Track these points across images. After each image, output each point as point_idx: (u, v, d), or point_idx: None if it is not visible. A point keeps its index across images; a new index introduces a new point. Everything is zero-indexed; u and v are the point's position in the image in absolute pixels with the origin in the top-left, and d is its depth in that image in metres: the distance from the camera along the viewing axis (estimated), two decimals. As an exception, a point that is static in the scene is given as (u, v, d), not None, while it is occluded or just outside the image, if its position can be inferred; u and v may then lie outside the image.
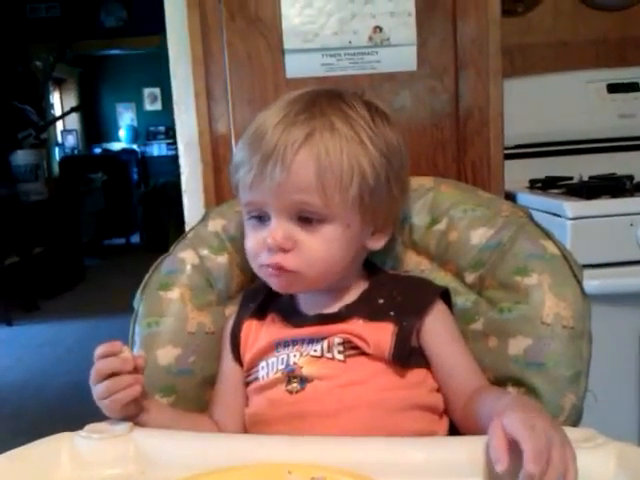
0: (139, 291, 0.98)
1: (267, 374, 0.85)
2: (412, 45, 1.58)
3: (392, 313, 0.84)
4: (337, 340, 0.83)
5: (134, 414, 0.79)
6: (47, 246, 5.19)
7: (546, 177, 1.88)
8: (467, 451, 0.66)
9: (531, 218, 0.94)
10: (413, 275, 0.96)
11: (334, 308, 0.87)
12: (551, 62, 2.05)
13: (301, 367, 0.83)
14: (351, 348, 0.83)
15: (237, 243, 0.99)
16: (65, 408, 2.97)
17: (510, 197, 1.72)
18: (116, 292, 4.94)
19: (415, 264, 0.97)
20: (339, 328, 0.84)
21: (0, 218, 4.63)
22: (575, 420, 0.83)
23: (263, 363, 0.87)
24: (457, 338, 0.87)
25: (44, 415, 2.90)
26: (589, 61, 2.04)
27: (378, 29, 1.58)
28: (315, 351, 0.83)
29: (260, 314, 0.92)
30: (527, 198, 1.69)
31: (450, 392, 0.85)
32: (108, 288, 5.42)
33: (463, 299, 0.92)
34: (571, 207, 1.47)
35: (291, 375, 0.83)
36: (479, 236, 0.93)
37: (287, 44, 1.60)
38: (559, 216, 1.48)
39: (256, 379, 0.87)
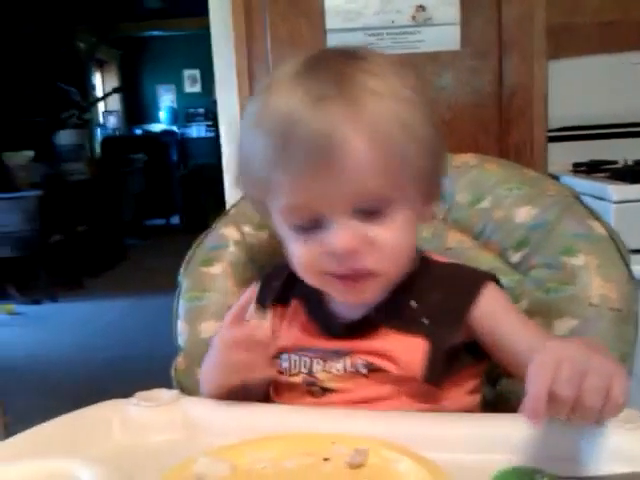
0: (183, 266, 1.00)
1: (290, 369, 0.79)
2: (455, 24, 1.57)
3: (426, 322, 0.75)
4: (360, 362, 0.75)
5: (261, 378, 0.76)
6: (90, 225, 5.30)
7: (590, 160, 1.85)
8: (508, 427, 0.66)
9: (578, 198, 0.93)
10: (455, 263, 0.86)
11: (365, 310, 0.77)
12: (597, 43, 2.01)
13: (322, 381, 0.77)
14: (377, 368, 0.75)
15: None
16: (107, 383, 3.03)
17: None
18: (156, 271, 5.03)
19: (458, 242, 0.96)
20: (366, 346, 0.76)
21: (44, 197, 4.73)
22: (621, 402, 0.82)
23: (286, 356, 0.80)
24: (515, 315, 0.77)
25: (87, 389, 2.96)
26: (636, 42, 2.00)
27: (421, 8, 1.57)
28: (338, 370, 0.76)
29: (283, 297, 0.84)
30: (571, 181, 1.67)
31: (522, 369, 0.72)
32: (148, 268, 5.52)
33: (507, 279, 0.90)
34: (615, 190, 1.45)
35: (311, 384, 0.78)
36: (524, 215, 0.92)
37: (329, 24, 1.60)
38: (603, 199, 1.46)
39: (280, 366, 0.81)
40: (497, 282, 0.80)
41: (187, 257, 1.01)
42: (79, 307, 4.58)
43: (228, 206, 1.65)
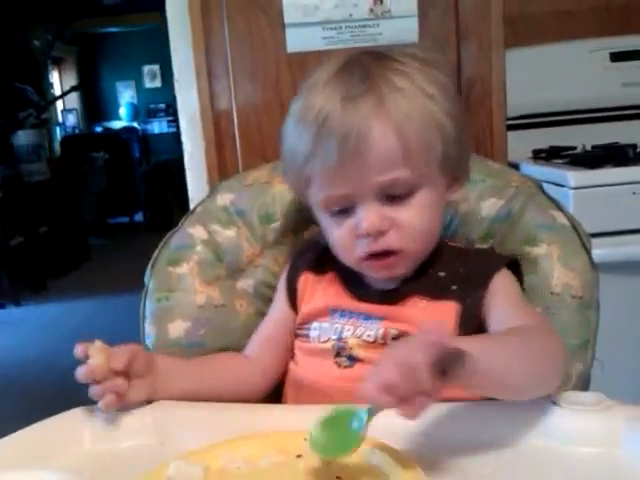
0: (149, 267, 0.99)
1: (319, 337, 0.84)
2: (413, 17, 1.57)
3: (454, 287, 0.80)
4: (393, 332, 0.79)
5: (137, 403, 0.76)
6: (52, 226, 5.21)
7: (549, 147, 1.88)
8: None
9: (541, 188, 0.94)
10: (476, 248, 0.93)
11: (396, 283, 0.83)
12: (553, 31, 2.03)
13: (351, 348, 0.81)
14: (408, 335, 0.77)
15: (246, 217, 0.99)
16: (75, 386, 2.99)
17: (513, 168, 1.71)
18: (121, 271, 4.98)
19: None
20: (398, 313, 0.80)
21: (4, 199, 4.64)
22: (582, 388, 0.84)
23: (316, 324, 0.85)
24: (521, 305, 0.80)
25: (54, 393, 2.92)
26: (592, 30, 2.02)
27: (379, 1, 1.57)
28: (369, 336, 0.80)
29: (318, 268, 0.89)
30: (530, 168, 1.69)
31: None
32: (113, 267, 5.46)
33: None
34: (574, 177, 1.47)
35: (341, 350, 0.81)
36: (489, 207, 0.93)
37: (287, 18, 1.60)
38: (562, 186, 1.48)
39: (307, 336, 0.86)
40: (518, 265, 0.85)
41: (153, 257, 1.00)
42: (44, 310, 4.51)
43: (191, 201, 1.64)
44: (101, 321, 4.01)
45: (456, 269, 0.83)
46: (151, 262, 1.00)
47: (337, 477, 0.61)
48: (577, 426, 0.65)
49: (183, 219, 1.04)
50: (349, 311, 0.83)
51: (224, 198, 1.03)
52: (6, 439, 0.68)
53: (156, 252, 1.01)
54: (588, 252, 0.87)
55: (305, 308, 0.88)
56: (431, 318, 0.78)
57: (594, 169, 1.53)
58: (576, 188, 1.46)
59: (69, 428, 0.72)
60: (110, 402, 0.72)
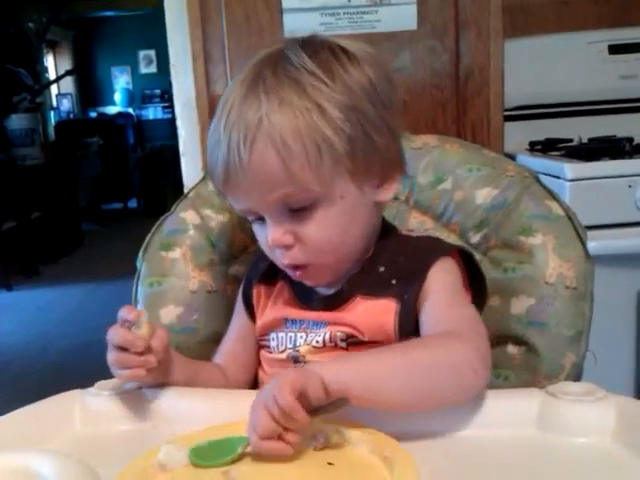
0: (141, 251, 0.99)
1: (277, 347, 0.85)
2: (412, 4, 1.56)
3: (394, 281, 0.79)
4: (339, 334, 0.79)
5: (145, 385, 0.77)
6: (44, 211, 5.19)
7: (546, 139, 1.88)
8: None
9: (537, 179, 0.94)
10: (426, 235, 0.93)
11: (339, 285, 0.82)
12: (552, 22, 2.03)
13: (304, 355, 0.81)
14: (354, 339, 0.79)
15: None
16: (66, 370, 3.00)
17: (510, 159, 1.72)
18: (114, 257, 4.97)
19: (419, 223, 0.97)
20: (341, 317, 0.80)
21: (-3, 183, 4.62)
22: (575, 380, 0.84)
23: (273, 335, 0.86)
24: (450, 305, 0.77)
25: (46, 378, 2.92)
26: (591, 21, 2.02)
27: (378, -13, 1.56)
28: (317, 342, 0.81)
29: (269, 278, 0.89)
30: (527, 160, 1.69)
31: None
32: (106, 253, 5.45)
33: (467, 260, 0.92)
34: (570, 169, 1.47)
35: (295, 358, 0.82)
36: (484, 196, 0.93)
37: (285, 3, 1.58)
38: (558, 178, 1.48)
39: (268, 347, 0.87)
40: (466, 254, 0.83)
41: (145, 242, 1.00)
42: (35, 295, 4.49)
43: (186, 188, 1.64)
44: (93, 306, 4.00)
45: (396, 261, 0.81)
46: (143, 246, 0.99)
47: (329, 463, 0.61)
48: (570, 416, 0.65)
49: (176, 204, 1.03)
50: (299, 319, 0.83)
51: None
52: (-3, 420, 0.68)
53: (148, 236, 1.00)
54: (583, 243, 0.87)
55: (259, 321, 0.88)
56: (371, 321, 0.78)
57: (590, 161, 1.53)
58: (572, 180, 1.45)
59: (61, 411, 0.72)
60: (139, 375, 0.72)
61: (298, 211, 0.75)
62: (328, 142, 0.72)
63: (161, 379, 0.77)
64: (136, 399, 0.74)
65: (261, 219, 0.78)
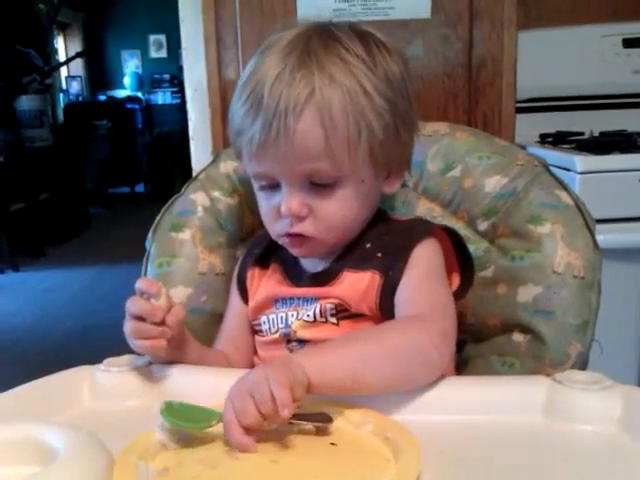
0: (151, 231, 0.99)
1: (269, 330, 0.87)
2: (427, -8, 1.55)
3: (379, 254, 0.82)
4: (329, 306, 0.82)
5: (158, 360, 0.77)
6: (52, 193, 5.20)
7: (557, 132, 1.87)
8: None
9: (546, 168, 0.93)
10: (413, 218, 0.94)
11: (328, 262, 0.85)
12: (566, 14, 2.02)
13: (295, 331, 0.83)
14: (343, 310, 0.82)
15: (248, 185, 0.98)
16: (71, 351, 3.01)
17: (520, 149, 1.71)
18: (121, 240, 4.98)
19: (427, 210, 0.97)
20: (329, 291, 0.82)
21: (5, 164, 4.62)
22: (580, 368, 0.84)
23: (264, 318, 0.88)
24: (426, 287, 0.79)
25: (51, 358, 2.94)
26: (605, 14, 2.01)
27: (392, -26, 1.55)
28: (308, 316, 0.83)
29: (263, 262, 0.91)
30: (537, 152, 1.67)
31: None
32: (113, 236, 5.46)
33: (474, 247, 0.92)
34: (581, 161, 1.47)
35: (288, 336, 0.84)
36: (493, 184, 0.93)
37: (299, -12, 1.58)
38: (569, 170, 1.48)
39: (260, 331, 0.89)
40: (453, 234, 0.86)
41: (155, 221, 1.00)
42: (42, 276, 4.50)
43: (195, 172, 1.63)
44: (100, 288, 4.02)
45: (383, 239, 0.84)
46: (153, 227, 1.00)
47: (331, 443, 0.62)
48: (576, 404, 0.65)
49: (186, 185, 1.04)
50: (289, 297, 0.86)
51: (227, 165, 1.03)
52: (7, 393, 0.68)
53: (158, 217, 1.00)
54: (592, 233, 0.87)
55: (252, 303, 0.90)
56: (355, 293, 0.80)
57: (600, 155, 1.53)
58: (582, 173, 1.46)
59: (70, 385, 0.72)
60: (160, 345, 0.72)
61: (320, 186, 0.77)
62: (370, 127, 0.76)
63: (173, 356, 0.78)
64: (144, 375, 0.74)
65: (273, 187, 0.79)
